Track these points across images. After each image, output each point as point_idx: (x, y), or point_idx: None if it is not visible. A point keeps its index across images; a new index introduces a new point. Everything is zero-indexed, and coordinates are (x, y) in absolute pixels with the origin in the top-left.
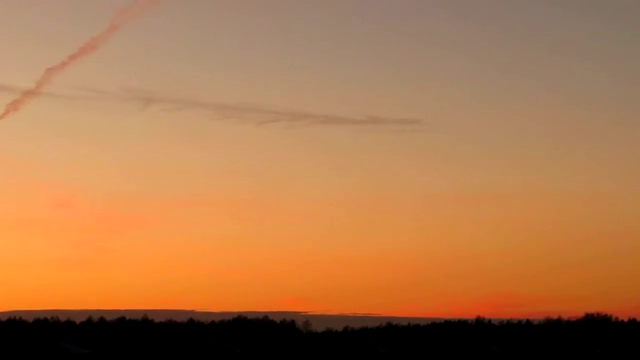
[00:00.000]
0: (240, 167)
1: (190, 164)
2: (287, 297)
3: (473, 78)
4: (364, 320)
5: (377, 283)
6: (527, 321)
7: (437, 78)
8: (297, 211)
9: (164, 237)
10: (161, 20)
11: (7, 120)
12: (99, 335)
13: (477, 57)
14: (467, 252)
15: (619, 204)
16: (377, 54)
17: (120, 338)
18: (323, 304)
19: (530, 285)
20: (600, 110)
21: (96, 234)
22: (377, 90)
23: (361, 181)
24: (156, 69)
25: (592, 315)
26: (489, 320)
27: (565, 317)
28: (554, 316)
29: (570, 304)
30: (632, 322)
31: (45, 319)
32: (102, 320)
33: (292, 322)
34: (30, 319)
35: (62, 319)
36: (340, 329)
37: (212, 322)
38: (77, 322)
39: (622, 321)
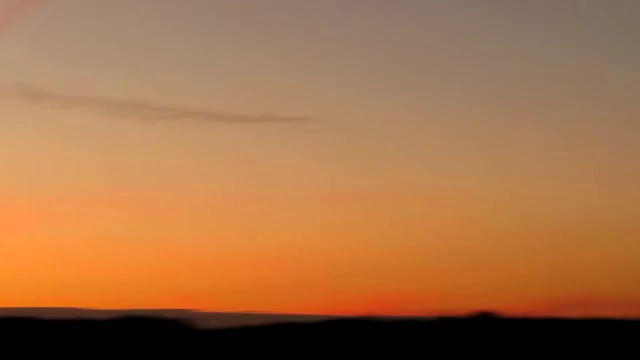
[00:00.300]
0: (126, 165)
1: (75, 161)
2: (175, 295)
3: (366, 75)
4: (254, 318)
5: (269, 280)
6: (418, 319)
7: (329, 75)
8: (186, 209)
9: (47, 235)
10: (49, 16)
11: None
12: None
13: (370, 53)
14: (360, 250)
15: (511, 204)
16: (269, 51)
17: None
18: (212, 302)
19: (421, 283)
20: (500, 108)
21: None
22: (269, 88)
23: (252, 179)
24: (43, 65)
25: (482, 312)
26: (380, 318)
27: (455, 314)
28: (445, 314)
29: (460, 301)
30: (520, 318)
31: None
32: None
33: (178, 320)
34: None
35: None
36: (229, 326)
37: (99, 320)
38: None
39: (513, 318)
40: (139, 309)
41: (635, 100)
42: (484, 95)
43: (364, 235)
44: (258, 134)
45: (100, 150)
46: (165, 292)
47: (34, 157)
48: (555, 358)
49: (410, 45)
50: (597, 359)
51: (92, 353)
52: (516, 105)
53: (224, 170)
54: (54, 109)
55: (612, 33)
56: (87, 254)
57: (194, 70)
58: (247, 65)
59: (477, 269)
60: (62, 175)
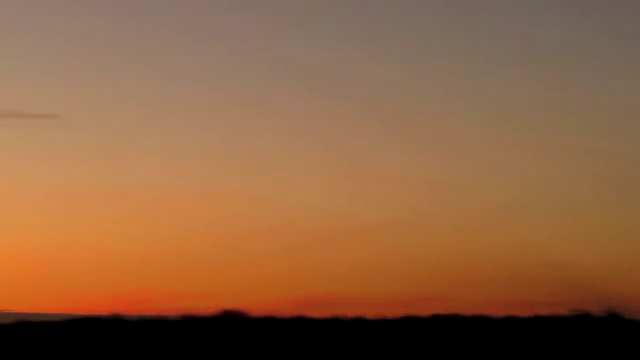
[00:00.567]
0: None
1: None
2: None
3: (113, 73)
4: None
5: (7, 278)
6: (164, 317)
7: (76, 72)
8: None
9: None
10: None
11: None
12: None
13: (117, 51)
14: (104, 247)
15: (258, 202)
16: (15, 46)
17: None
18: None
19: (165, 281)
20: (251, 102)
21: None
22: (14, 84)
23: None
24: None
25: (228, 311)
26: (125, 316)
27: (201, 313)
28: (190, 312)
29: (207, 300)
30: (267, 318)
31: None
32: None
33: None
34: None
35: None
36: None
37: None
38: None
39: (258, 317)
40: None
41: (391, 98)
42: (234, 89)
43: (109, 232)
44: (2, 130)
45: None
46: None
47: None
48: (301, 358)
49: (160, 47)
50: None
51: None
52: (270, 99)
53: None
54: None
55: (367, 28)
56: None
57: None
58: None
59: (223, 267)
60: None
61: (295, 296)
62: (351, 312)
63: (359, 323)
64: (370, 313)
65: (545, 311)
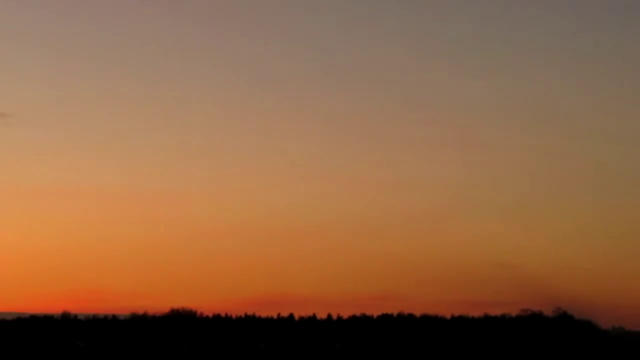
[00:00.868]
0: None
1: None
2: None
3: (65, 73)
4: None
5: None
6: (113, 316)
7: (27, 72)
8: None
9: None
10: None
11: None
12: None
13: (68, 51)
14: (53, 246)
15: (205, 205)
16: None
17: None
18: None
19: (115, 281)
20: (214, 104)
21: None
22: None
23: None
24: None
25: (178, 310)
26: (75, 315)
27: (150, 312)
28: (140, 311)
29: (156, 299)
30: (217, 317)
31: None
32: None
33: None
34: None
35: None
36: None
37: None
38: None
39: (207, 316)
40: None
41: (340, 100)
42: (186, 90)
43: (59, 231)
44: None
45: None
46: None
47: None
48: (253, 356)
49: (111, 43)
50: (298, 357)
51: None
52: (224, 100)
53: None
54: None
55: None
56: None
57: None
58: None
59: (173, 266)
60: None
61: (245, 295)
62: (301, 312)
63: (309, 322)
64: (321, 312)
65: (495, 311)
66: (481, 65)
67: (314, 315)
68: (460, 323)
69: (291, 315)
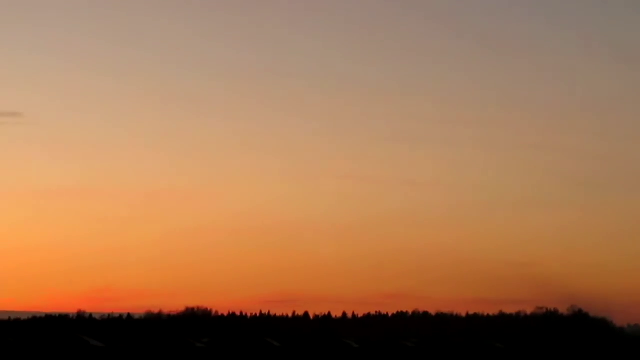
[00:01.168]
0: None
1: None
2: None
3: (72, 72)
4: None
5: None
6: (128, 315)
7: (38, 72)
8: None
9: None
10: None
11: None
12: None
13: (69, 52)
14: (68, 246)
15: (220, 202)
16: None
17: None
18: None
19: (130, 280)
20: (210, 104)
21: None
22: None
23: None
24: None
25: (193, 309)
26: (90, 314)
27: (166, 311)
28: (155, 310)
29: (171, 298)
30: (232, 316)
31: None
32: None
33: None
34: None
35: None
36: None
37: None
38: None
39: (222, 315)
40: None
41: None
42: (183, 89)
43: (74, 231)
44: None
45: None
46: None
47: None
48: (268, 354)
49: (118, 49)
50: (311, 356)
51: None
52: (217, 99)
53: None
54: None
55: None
56: None
57: None
58: None
59: (188, 265)
60: None
61: (260, 294)
62: (316, 310)
63: (324, 321)
64: (335, 311)
65: (510, 309)
66: (491, 62)
67: (329, 314)
68: (475, 321)
69: (306, 314)
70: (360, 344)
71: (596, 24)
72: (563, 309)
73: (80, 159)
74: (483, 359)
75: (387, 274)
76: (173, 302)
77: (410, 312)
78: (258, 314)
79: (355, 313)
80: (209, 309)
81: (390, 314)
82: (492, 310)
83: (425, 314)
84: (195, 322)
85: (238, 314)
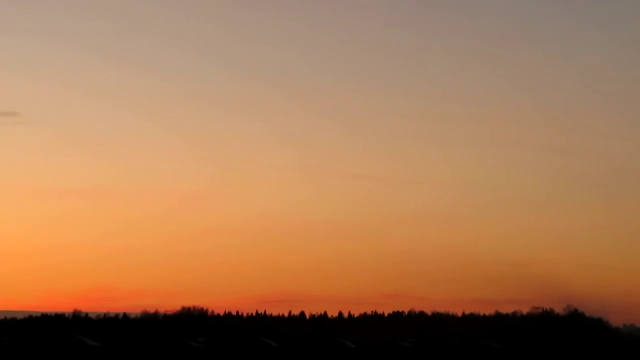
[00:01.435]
0: None
1: None
2: None
3: (70, 71)
4: None
5: None
6: (124, 314)
7: (35, 71)
8: None
9: None
10: None
11: None
12: None
13: (76, 50)
14: (63, 245)
15: (215, 202)
16: None
17: None
18: None
19: (126, 279)
20: (215, 101)
21: None
22: None
23: None
24: None
25: (189, 308)
26: (86, 314)
27: (162, 310)
28: (151, 310)
29: (167, 297)
30: (228, 315)
31: None
32: None
33: None
34: None
35: None
36: None
37: None
38: None
39: (218, 315)
40: None
41: (343, 98)
42: (188, 87)
43: (71, 230)
44: None
45: None
46: None
47: None
48: (264, 354)
49: (120, 44)
50: (309, 356)
51: None
52: (224, 96)
53: None
54: None
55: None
56: None
57: None
58: None
59: (184, 264)
60: None
61: (256, 293)
62: (312, 310)
63: (320, 320)
64: (332, 310)
65: (506, 309)
66: (489, 61)
67: (325, 313)
68: (472, 321)
69: (302, 313)
70: (357, 344)
71: (611, 23)
72: (559, 309)
73: (78, 159)
74: (479, 359)
75: (384, 274)
76: (169, 302)
77: (406, 312)
78: (254, 314)
79: (352, 313)
80: (205, 308)
81: (386, 314)
82: (489, 310)
83: (422, 313)
84: (191, 321)
85: (234, 313)
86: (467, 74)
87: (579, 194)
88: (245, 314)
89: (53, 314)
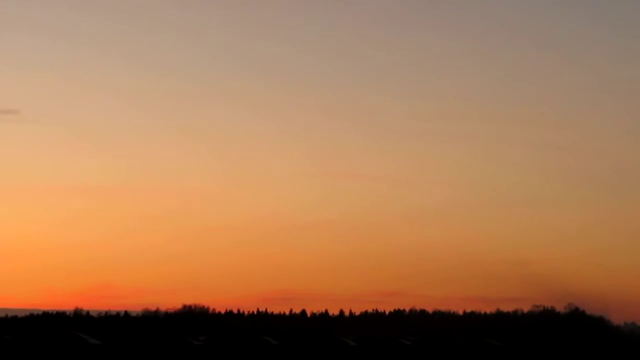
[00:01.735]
0: None
1: None
2: None
3: (68, 69)
4: None
5: None
6: (126, 312)
7: (33, 69)
8: None
9: None
10: None
11: None
12: None
13: (76, 47)
14: (63, 243)
15: (216, 201)
16: None
17: None
18: None
19: (127, 277)
20: (223, 100)
21: None
22: None
23: None
24: None
25: (190, 306)
26: (88, 312)
27: (163, 308)
28: (152, 308)
29: (168, 295)
30: (229, 313)
31: None
32: None
33: None
34: None
35: None
36: None
37: None
38: None
39: (219, 313)
40: None
41: (346, 94)
42: (194, 84)
43: (72, 227)
44: None
45: None
46: None
47: None
48: (266, 352)
49: (124, 40)
50: (310, 355)
51: None
52: (233, 94)
53: None
54: None
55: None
56: None
57: None
58: None
59: (185, 263)
60: None
61: (258, 292)
62: (314, 308)
63: (322, 318)
64: (333, 309)
65: (507, 307)
66: (497, 58)
67: (326, 312)
68: (473, 319)
69: (303, 312)
70: (358, 342)
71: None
72: (560, 307)
73: (78, 157)
74: (480, 357)
75: (385, 272)
76: (170, 300)
77: (407, 310)
78: (255, 312)
79: (353, 311)
80: (206, 306)
81: (387, 312)
82: (490, 309)
83: (423, 312)
84: (193, 319)
85: (235, 311)
86: (474, 73)
87: (581, 194)
88: (246, 312)
89: (54, 312)
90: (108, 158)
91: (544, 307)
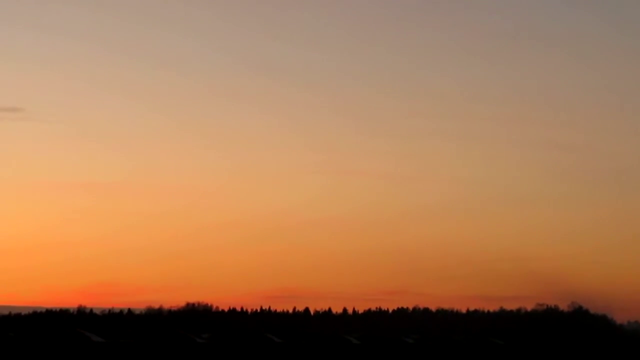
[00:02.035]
0: None
1: None
2: None
3: (71, 67)
4: None
5: None
6: (129, 310)
7: (37, 67)
8: None
9: None
10: None
11: None
12: None
13: (68, 47)
14: (66, 241)
15: (219, 198)
16: None
17: None
18: None
19: (131, 275)
20: (224, 98)
21: None
22: None
23: None
24: None
25: (193, 304)
26: (91, 309)
27: (166, 306)
28: (156, 305)
29: (171, 293)
30: (232, 311)
31: None
32: None
33: None
34: None
35: None
36: None
37: None
38: None
39: (223, 310)
40: None
41: (352, 94)
42: (195, 83)
43: (75, 225)
44: None
45: None
46: None
47: None
48: (269, 350)
49: (128, 39)
50: (313, 352)
51: None
52: (235, 93)
53: None
54: None
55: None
56: None
57: None
58: None
59: (189, 260)
60: None
61: (261, 289)
62: (317, 306)
63: (325, 316)
64: (336, 307)
65: (511, 305)
66: (499, 57)
67: (330, 310)
68: (476, 317)
69: (307, 310)
70: (361, 340)
71: (624, 24)
72: (563, 306)
73: (82, 154)
74: (483, 355)
75: (388, 271)
76: (173, 298)
77: (410, 308)
78: (259, 310)
79: (356, 309)
80: (209, 304)
81: (390, 310)
82: (493, 307)
83: (426, 310)
84: (196, 317)
85: (239, 309)
86: (476, 72)
87: (585, 192)
88: (249, 310)
89: (58, 310)
90: (112, 155)
91: (547, 305)
